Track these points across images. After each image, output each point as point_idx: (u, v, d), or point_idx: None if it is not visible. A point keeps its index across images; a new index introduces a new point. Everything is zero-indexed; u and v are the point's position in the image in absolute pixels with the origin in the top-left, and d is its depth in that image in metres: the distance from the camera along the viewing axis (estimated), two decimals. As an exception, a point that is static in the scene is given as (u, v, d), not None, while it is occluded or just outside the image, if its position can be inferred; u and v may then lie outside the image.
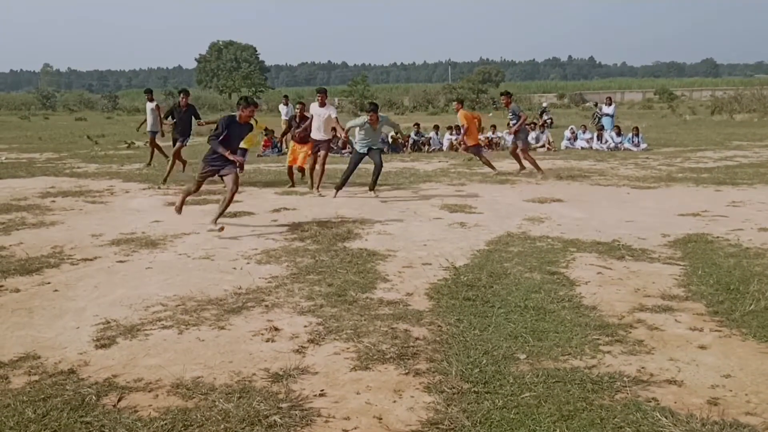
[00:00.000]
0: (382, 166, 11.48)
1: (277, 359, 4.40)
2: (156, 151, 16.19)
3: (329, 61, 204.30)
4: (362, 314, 5.27)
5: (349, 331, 4.90)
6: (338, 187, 11.39)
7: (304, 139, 12.02)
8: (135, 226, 8.85)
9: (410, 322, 5.10)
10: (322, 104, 12.00)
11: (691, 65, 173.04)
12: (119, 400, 3.80)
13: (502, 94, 15.23)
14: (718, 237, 7.79)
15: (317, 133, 11.86)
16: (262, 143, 19.77)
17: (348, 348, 4.59)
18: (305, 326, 5.03)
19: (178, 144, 13.20)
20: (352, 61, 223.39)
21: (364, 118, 11.54)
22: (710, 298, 5.57)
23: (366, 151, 11.41)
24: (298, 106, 12.84)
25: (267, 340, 4.76)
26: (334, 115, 11.79)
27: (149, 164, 16.18)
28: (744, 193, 11.16)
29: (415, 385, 3.98)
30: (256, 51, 75.54)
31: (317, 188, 11.72)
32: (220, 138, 8.31)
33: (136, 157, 18.52)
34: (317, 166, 11.91)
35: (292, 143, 12.39)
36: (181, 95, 13.63)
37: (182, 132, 13.22)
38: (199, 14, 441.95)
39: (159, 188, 12.40)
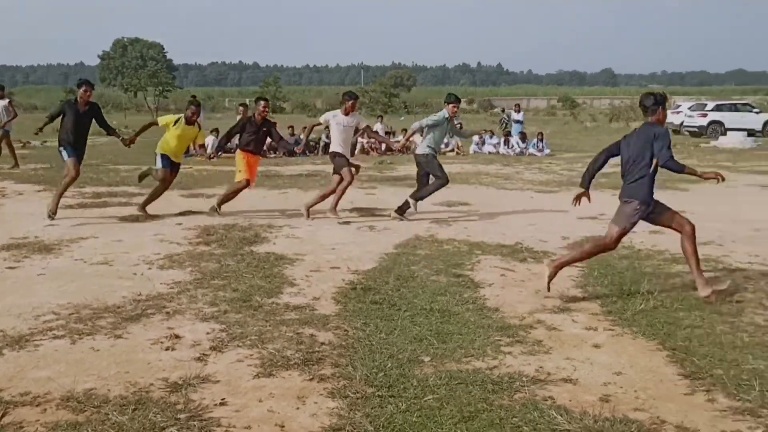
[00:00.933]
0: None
1: (177, 368, 4.27)
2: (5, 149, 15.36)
3: (240, 62, 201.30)
4: (267, 320, 5.20)
5: (254, 337, 4.82)
6: (418, 198, 9.74)
7: (258, 150, 10.10)
8: (28, 229, 8.41)
9: (316, 327, 5.07)
10: (350, 112, 9.81)
11: (592, 75, 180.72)
12: (3, 416, 3.58)
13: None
14: (613, 239, 8.13)
15: (340, 147, 9.80)
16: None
17: (252, 355, 4.51)
18: (208, 333, 4.91)
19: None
20: (264, 62, 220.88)
21: (443, 113, 9.91)
22: (605, 298, 5.81)
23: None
24: (240, 108, 11.50)
25: (167, 349, 4.62)
26: (363, 124, 10.14)
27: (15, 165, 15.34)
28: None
29: (319, 391, 3.96)
30: (164, 49, 73.49)
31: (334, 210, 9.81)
32: None
33: (31, 157, 17.65)
34: (342, 187, 9.72)
35: (240, 153, 9.75)
36: (83, 89, 9.27)
37: (75, 141, 9.25)
38: (102, 9, 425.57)
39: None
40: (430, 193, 9.74)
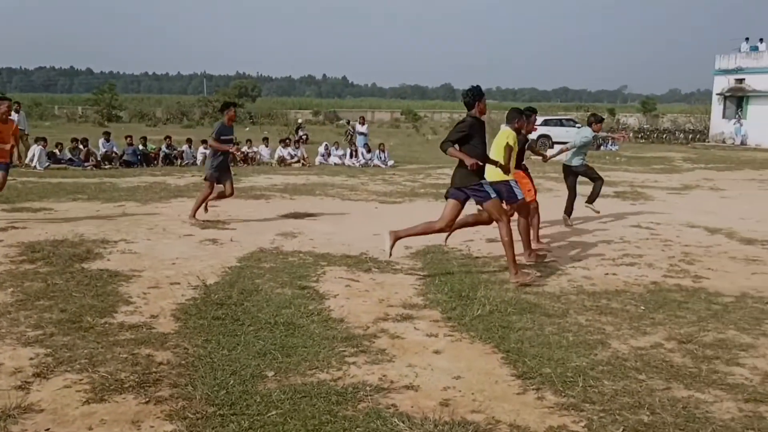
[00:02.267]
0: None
1: (-5, 399, 3.91)
2: None
3: (72, 67, 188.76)
4: (99, 341, 4.89)
5: (84, 360, 4.52)
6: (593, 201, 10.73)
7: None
8: None
9: (154, 347, 4.84)
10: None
11: (433, 89, 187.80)
12: None
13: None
14: (452, 248, 8.47)
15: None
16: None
17: (81, 380, 4.22)
18: (31, 359, 4.54)
19: None
20: (99, 68, 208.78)
21: (590, 132, 10.47)
22: (445, 305, 6.03)
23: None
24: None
25: (-17, 378, 4.21)
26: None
27: None
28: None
29: (156, 414, 3.78)
30: (-17, 51, 67.35)
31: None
32: None
33: None
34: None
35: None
36: None
37: None
38: None
39: None
40: (598, 194, 10.74)
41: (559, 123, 33.33)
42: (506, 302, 6.04)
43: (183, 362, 4.56)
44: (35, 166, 17.41)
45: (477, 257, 8.00)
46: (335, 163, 21.27)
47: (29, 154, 17.89)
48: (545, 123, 32.65)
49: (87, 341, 4.88)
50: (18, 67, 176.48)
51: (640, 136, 41.98)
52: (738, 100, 37.21)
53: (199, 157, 20.09)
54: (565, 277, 7.13)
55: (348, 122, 38.13)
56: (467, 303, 6.02)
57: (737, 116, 36.66)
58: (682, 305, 6.11)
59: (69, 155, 18.51)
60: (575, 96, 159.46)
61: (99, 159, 18.68)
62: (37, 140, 18.33)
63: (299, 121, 38.26)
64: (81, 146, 18.81)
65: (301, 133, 31.12)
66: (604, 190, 14.66)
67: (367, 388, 4.18)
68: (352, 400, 4.01)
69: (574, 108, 65.81)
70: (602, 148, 31.91)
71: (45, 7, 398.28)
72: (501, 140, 7.79)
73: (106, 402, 3.92)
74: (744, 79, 36.82)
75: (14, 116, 18.79)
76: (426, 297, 6.32)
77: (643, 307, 6.01)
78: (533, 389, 4.24)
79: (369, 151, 21.82)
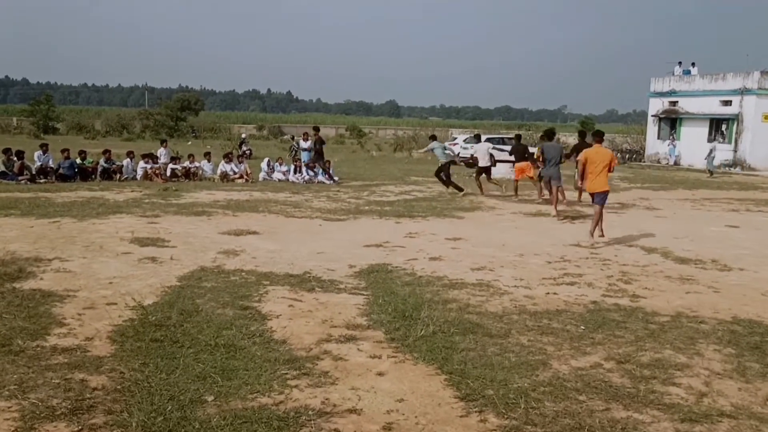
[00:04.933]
0: None
1: None
2: None
3: (7, 77, 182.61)
4: (30, 365, 4.71)
5: (13, 386, 4.33)
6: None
7: None
8: None
9: (88, 371, 4.68)
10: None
11: (378, 105, 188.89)
12: None
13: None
14: (396, 267, 8.49)
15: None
16: None
17: (10, 407, 4.04)
18: (-45, 386, 4.33)
19: None
20: (35, 79, 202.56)
21: None
22: (388, 325, 6.02)
23: None
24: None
25: None
26: None
27: None
28: (419, 224, 12.38)
29: (89, 443, 3.64)
30: None
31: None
32: None
33: None
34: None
35: None
36: None
37: None
38: None
39: None
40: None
41: (502, 141, 33.90)
42: (449, 323, 6.06)
43: (119, 387, 4.42)
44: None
45: (421, 276, 8.02)
46: (279, 179, 21.10)
47: (-42, 167, 17.17)
48: (488, 141, 33.18)
49: (17, 366, 4.69)
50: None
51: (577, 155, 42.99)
52: (672, 121, 38.59)
53: (140, 172, 19.68)
54: (507, 297, 7.21)
55: (292, 137, 37.98)
56: (411, 323, 6.02)
57: (671, 137, 37.99)
58: (620, 325, 6.24)
59: (2, 168, 17.84)
60: (517, 115, 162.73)
61: (34, 173, 18.06)
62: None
63: (243, 135, 37.81)
64: (15, 159, 18.17)
65: (244, 148, 30.81)
66: (546, 208, 14.99)
67: (310, 413, 4.13)
68: (294, 425, 3.95)
69: (516, 126, 67.16)
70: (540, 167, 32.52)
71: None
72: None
73: (36, 431, 3.75)
74: (677, 101, 38.23)
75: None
76: (370, 317, 6.29)
77: (583, 327, 6.12)
78: (476, 411, 4.26)
79: (313, 167, 21.74)
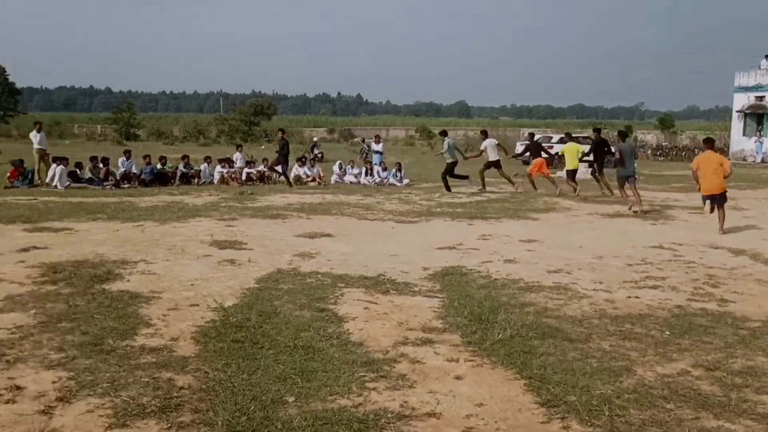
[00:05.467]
0: None
1: (19, 423, 3.92)
2: None
3: (91, 86, 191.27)
4: (121, 364, 4.89)
5: (106, 384, 4.52)
6: None
7: None
8: None
9: (174, 370, 4.83)
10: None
11: (447, 106, 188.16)
12: None
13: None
14: (471, 269, 8.42)
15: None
16: (9, 173, 17.91)
17: (103, 404, 4.22)
18: (54, 382, 4.54)
19: None
20: (118, 87, 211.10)
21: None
22: (465, 328, 5.97)
23: None
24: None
25: (6, 402, 4.23)
26: None
27: None
28: (492, 226, 12.25)
29: (177, 441, 3.76)
30: (5, 71, 68.28)
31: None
32: None
33: None
34: None
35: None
36: None
37: None
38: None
39: None
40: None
41: (576, 141, 33.16)
42: (527, 326, 5.97)
43: (204, 387, 4.54)
44: (56, 186, 17.57)
45: (496, 279, 7.93)
46: (351, 182, 21.28)
47: (50, 174, 18.07)
48: (561, 141, 32.53)
49: (109, 364, 4.88)
50: (39, 86, 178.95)
51: (658, 153, 41.73)
52: (758, 117, 36.93)
53: (216, 176, 20.21)
54: (586, 300, 7.05)
55: (363, 140, 38.24)
56: (487, 327, 5.96)
57: (758, 134, 36.36)
58: (708, 330, 6.01)
59: (89, 174, 18.68)
60: (591, 113, 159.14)
61: (118, 178, 18.82)
62: (55, 159, 18.51)
63: (314, 139, 38.38)
64: (101, 165, 18.98)
65: (316, 151, 31.24)
66: (624, 210, 14.59)
67: (389, 416, 4.14)
68: (374, 428, 3.97)
69: (590, 125, 65.58)
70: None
71: (65, 27, 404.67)
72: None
73: (128, 428, 3.91)
74: (764, 96, 36.56)
75: (36, 135, 19.28)
76: (445, 320, 6.27)
77: (668, 333, 5.92)
78: (558, 418, 4.18)
79: (385, 169, 21.85)
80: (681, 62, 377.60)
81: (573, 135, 27.72)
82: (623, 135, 17.12)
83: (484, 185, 18.84)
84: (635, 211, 14.21)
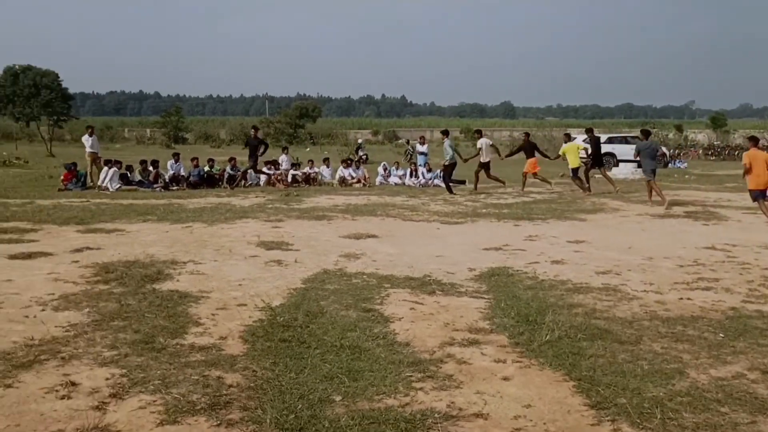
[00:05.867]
0: None
1: (74, 418, 4.02)
2: None
3: (141, 91, 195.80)
4: (171, 362, 4.99)
5: (157, 381, 4.61)
6: None
7: None
8: None
9: (223, 369, 4.90)
10: None
11: (492, 107, 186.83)
12: None
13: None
14: (518, 270, 8.34)
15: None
16: (62, 176, 18.45)
17: (155, 401, 4.30)
18: (107, 379, 4.66)
19: None
20: (166, 92, 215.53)
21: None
22: (512, 329, 5.92)
23: None
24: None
25: (62, 398, 4.34)
26: None
27: None
28: (539, 227, 12.11)
29: (227, 438, 3.81)
30: (59, 77, 70.26)
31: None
32: None
33: None
34: None
35: None
36: None
37: None
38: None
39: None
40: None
41: (624, 140, 32.59)
42: (576, 328, 5.88)
43: (252, 385, 4.59)
44: (107, 188, 18.03)
45: (543, 280, 7.83)
46: (395, 183, 21.31)
47: (102, 176, 18.56)
48: (609, 141, 32.01)
49: (160, 362, 4.98)
50: (91, 91, 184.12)
51: (710, 153, 40.72)
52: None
53: (263, 178, 20.46)
54: (636, 302, 6.91)
55: (407, 142, 38.25)
56: (535, 328, 5.89)
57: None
58: (764, 333, 5.82)
59: (139, 177, 19.12)
60: (640, 112, 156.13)
61: (167, 180, 19.22)
62: (107, 162, 19.01)
63: (359, 141, 38.59)
64: (151, 168, 19.41)
65: (361, 153, 31.38)
66: (675, 210, 14.28)
67: (436, 416, 4.12)
68: (421, 428, 3.96)
69: (639, 125, 64.26)
70: (670, 165, 31.12)
71: (116, 35, 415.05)
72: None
73: (179, 424, 3.97)
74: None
75: (88, 139, 19.84)
76: (492, 321, 6.22)
77: (722, 335, 5.77)
78: (608, 420, 4.10)
79: (429, 170, 21.80)
80: (733, 59, 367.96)
81: (622, 135, 27.27)
82: (646, 133, 17.33)
83: (476, 186, 19.11)
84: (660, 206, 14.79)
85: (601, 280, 7.83)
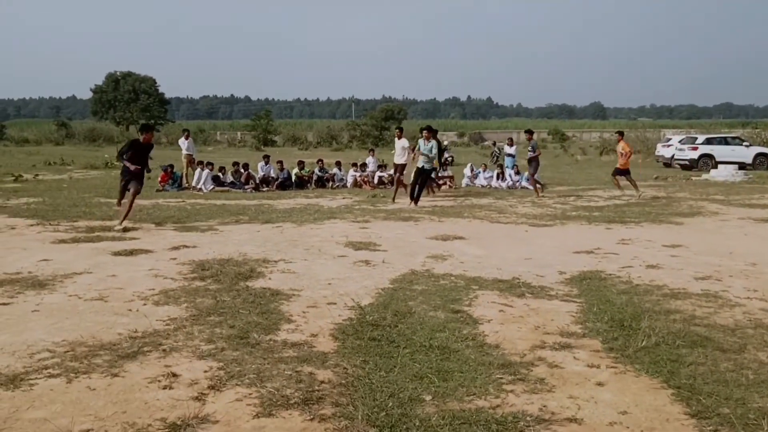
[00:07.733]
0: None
1: (175, 408, 4.19)
2: None
3: (232, 95, 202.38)
4: (265, 357, 5.12)
5: (252, 375, 4.74)
6: None
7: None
8: (21, 265, 8.31)
9: (315, 365, 4.99)
10: None
11: (581, 108, 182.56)
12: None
13: (526, 131, 21.20)
14: (610, 274, 8.11)
15: None
16: (160, 177, 19.27)
17: (250, 394, 4.43)
18: (205, 371, 4.83)
19: None
20: (256, 96, 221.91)
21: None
22: (605, 334, 5.76)
23: None
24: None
25: (164, 388, 4.53)
26: None
27: None
28: (632, 231, 11.75)
29: (320, 432, 3.88)
30: (156, 83, 73.58)
31: None
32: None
33: (24, 191, 17.54)
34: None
35: None
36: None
37: None
38: (95, 43, 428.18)
39: (49, 224, 11.76)
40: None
41: (724, 141, 31.18)
42: (674, 334, 5.66)
43: (343, 382, 4.66)
44: (201, 189, 18.72)
45: (638, 285, 7.59)
46: (482, 185, 21.14)
47: (196, 177, 19.29)
48: (708, 142, 30.70)
49: (254, 357, 5.12)
50: (185, 96, 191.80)
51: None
52: None
53: (350, 179, 20.73)
54: (739, 309, 6.59)
55: (494, 143, 37.87)
56: (630, 333, 5.71)
57: None
58: None
59: (231, 178, 19.75)
60: (740, 112, 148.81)
61: (258, 182, 19.77)
62: (199, 163, 19.73)
63: (445, 143, 38.42)
64: (242, 170, 20.02)
65: (447, 155, 31.27)
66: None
67: (528, 419, 4.06)
68: (513, 430, 3.91)
69: (740, 125, 61.20)
70: None
71: (208, 41, 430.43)
72: None
73: (274, 417, 4.08)
74: None
75: (184, 142, 20.68)
76: (584, 325, 6.07)
77: (834, 345, 5.42)
78: (710, 430, 3.93)
79: (518, 173, 21.51)
80: None
81: (721, 136, 26.00)
82: None
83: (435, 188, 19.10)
84: None
85: (701, 286, 7.51)
